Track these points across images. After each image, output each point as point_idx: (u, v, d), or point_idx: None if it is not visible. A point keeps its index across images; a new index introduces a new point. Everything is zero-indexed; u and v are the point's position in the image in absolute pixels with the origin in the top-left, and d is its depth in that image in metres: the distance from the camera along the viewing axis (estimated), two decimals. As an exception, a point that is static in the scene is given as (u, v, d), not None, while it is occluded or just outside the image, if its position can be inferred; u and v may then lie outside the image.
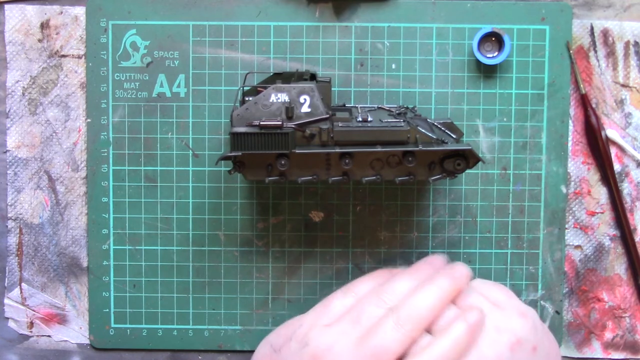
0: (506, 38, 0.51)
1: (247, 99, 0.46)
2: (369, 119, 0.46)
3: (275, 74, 0.50)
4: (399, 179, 0.46)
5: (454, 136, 0.49)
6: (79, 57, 0.53)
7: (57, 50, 0.53)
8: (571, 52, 0.52)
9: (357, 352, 0.43)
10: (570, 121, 0.53)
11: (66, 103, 0.53)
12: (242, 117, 0.45)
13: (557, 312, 0.54)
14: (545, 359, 0.45)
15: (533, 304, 0.54)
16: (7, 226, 0.54)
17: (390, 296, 0.45)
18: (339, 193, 0.53)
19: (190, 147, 0.53)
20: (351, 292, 0.47)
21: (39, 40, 0.53)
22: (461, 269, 0.46)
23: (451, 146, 0.46)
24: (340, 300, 0.46)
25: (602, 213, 0.54)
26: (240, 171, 0.46)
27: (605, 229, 0.54)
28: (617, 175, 0.53)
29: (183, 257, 0.54)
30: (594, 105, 0.53)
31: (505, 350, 0.43)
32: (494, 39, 0.52)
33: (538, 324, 0.46)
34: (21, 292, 0.54)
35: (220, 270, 0.54)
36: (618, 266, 0.54)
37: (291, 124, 0.45)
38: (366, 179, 0.46)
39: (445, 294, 0.44)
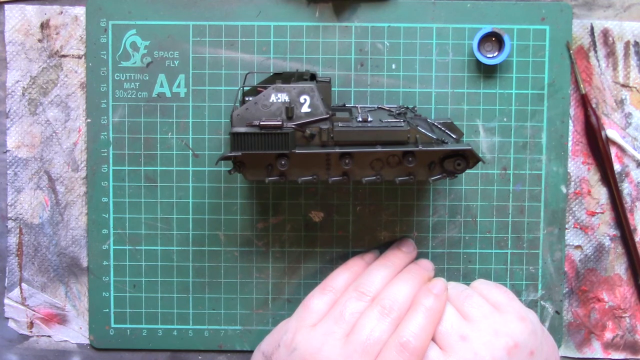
0: (506, 38, 0.51)
1: (247, 99, 0.46)
2: (369, 119, 0.46)
3: (275, 74, 0.50)
4: (399, 179, 0.46)
5: (454, 136, 0.49)
6: (79, 57, 0.53)
7: (57, 50, 0.53)
8: (571, 52, 0.52)
9: (346, 349, 0.43)
10: (570, 121, 0.53)
11: (66, 103, 0.53)
12: (242, 117, 0.45)
13: (557, 312, 0.54)
14: None
15: (533, 304, 0.53)
16: (7, 226, 0.54)
17: (370, 287, 0.46)
18: (339, 193, 0.53)
19: (190, 147, 0.53)
20: (329, 288, 0.47)
21: (39, 40, 0.53)
22: (427, 263, 0.51)
23: (451, 146, 0.46)
24: (320, 299, 0.47)
25: (602, 213, 0.54)
26: (240, 171, 0.46)
27: (605, 229, 0.54)
28: (617, 175, 0.53)
29: (183, 257, 0.54)
30: (594, 105, 0.53)
31: (502, 354, 0.43)
32: (494, 39, 0.52)
33: (538, 328, 0.46)
34: (21, 292, 0.54)
35: (220, 270, 0.54)
36: (618, 266, 0.54)
37: (291, 124, 0.45)
38: (366, 179, 0.46)
39: (421, 280, 0.47)
